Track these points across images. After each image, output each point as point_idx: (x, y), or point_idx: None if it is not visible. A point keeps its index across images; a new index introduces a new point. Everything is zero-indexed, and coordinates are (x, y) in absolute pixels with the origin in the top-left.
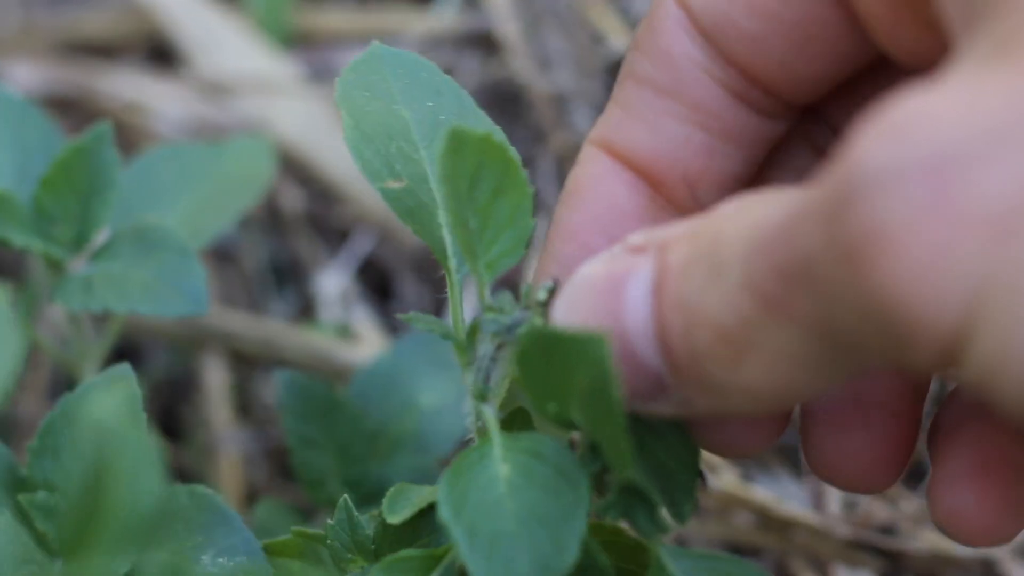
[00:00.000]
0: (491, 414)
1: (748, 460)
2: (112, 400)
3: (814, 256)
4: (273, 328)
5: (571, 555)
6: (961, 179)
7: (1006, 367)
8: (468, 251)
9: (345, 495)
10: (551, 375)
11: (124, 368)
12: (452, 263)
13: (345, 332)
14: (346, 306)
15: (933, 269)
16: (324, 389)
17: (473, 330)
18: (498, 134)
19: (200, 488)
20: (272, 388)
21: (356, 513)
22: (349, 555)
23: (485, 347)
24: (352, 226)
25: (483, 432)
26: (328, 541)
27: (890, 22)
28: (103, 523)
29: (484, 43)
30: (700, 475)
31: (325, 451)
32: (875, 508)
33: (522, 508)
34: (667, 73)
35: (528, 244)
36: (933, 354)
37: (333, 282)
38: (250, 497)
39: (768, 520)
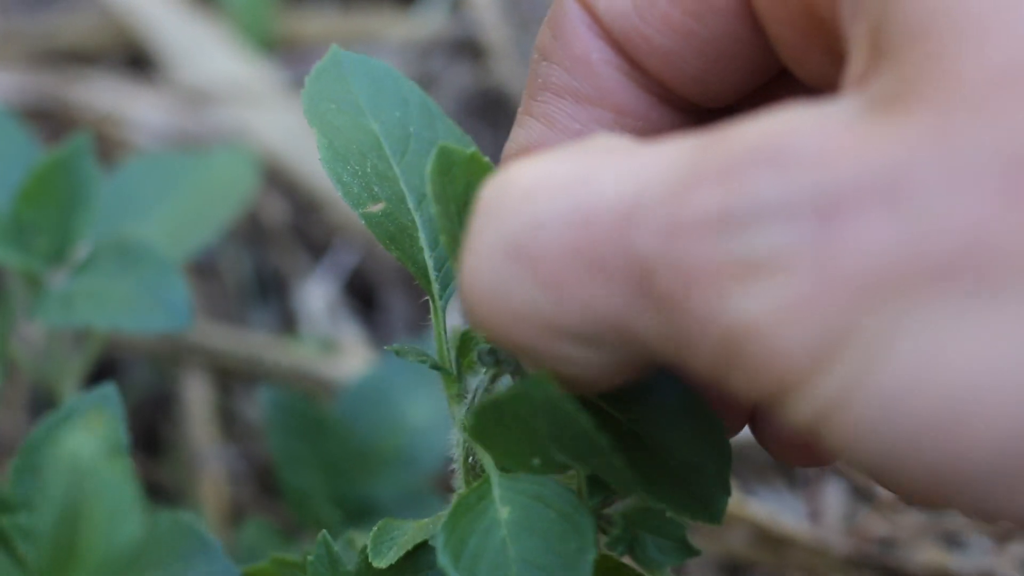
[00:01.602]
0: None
1: (747, 472)
2: (91, 437)
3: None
4: (256, 343)
5: None
6: (847, 227)
7: (839, 422)
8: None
9: (324, 531)
10: (516, 436)
11: (108, 390)
12: (435, 288)
13: (329, 346)
14: (331, 319)
15: (800, 310)
16: (310, 406)
17: (462, 356)
18: (476, 149)
19: (182, 515)
20: (255, 404)
21: (335, 548)
22: None
23: (478, 379)
24: (335, 236)
25: (471, 469)
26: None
27: (800, 48)
28: (79, 561)
29: (469, 49)
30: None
31: (312, 469)
32: (873, 522)
33: (525, 555)
34: (587, 81)
35: None
36: (764, 386)
37: (316, 294)
38: (235, 516)
39: (765, 536)
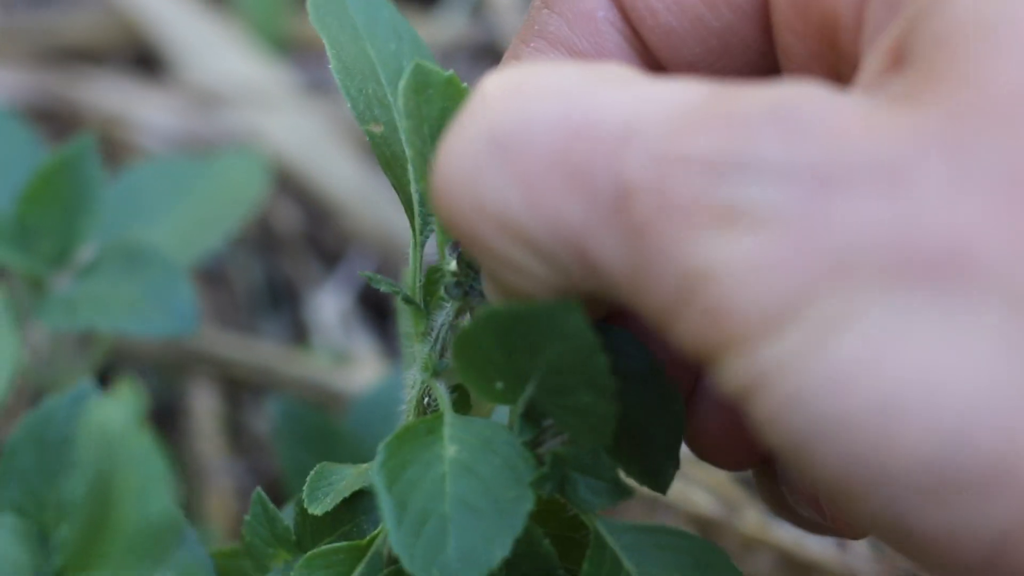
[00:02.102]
0: (444, 391)
1: None
2: (121, 407)
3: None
4: (267, 353)
5: (502, 551)
6: (841, 200)
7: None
8: (430, 203)
9: (258, 488)
10: (504, 354)
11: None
12: (417, 221)
13: (342, 357)
14: (345, 329)
15: (770, 269)
16: (320, 417)
17: (429, 295)
18: (453, 73)
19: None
20: (264, 416)
21: (272, 505)
22: (270, 550)
23: (443, 314)
24: (349, 244)
25: (423, 411)
26: (246, 537)
27: (804, 61)
28: (112, 533)
29: (490, 53)
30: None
31: None
32: None
33: (462, 493)
34: (586, 37)
35: None
36: (709, 337)
37: (329, 304)
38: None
39: (791, 561)
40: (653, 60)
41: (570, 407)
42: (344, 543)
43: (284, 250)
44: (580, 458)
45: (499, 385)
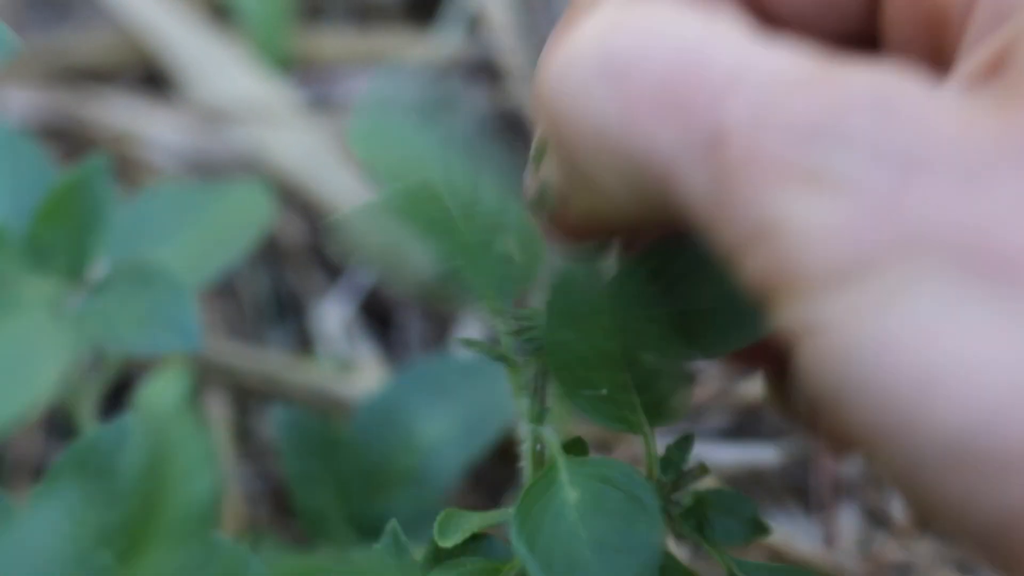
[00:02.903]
0: (553, 437)
1: (762, 496)
2: (171, 386)
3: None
4: (273, 362)
5: None
6: (923, 185)
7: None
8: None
9: (393, 519)
10: (584, 331)
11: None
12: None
13: (346, 365)
14: (348, 338)
15: (846, 232)
16: (323, 425)
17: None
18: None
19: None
20: (270, 422)
21: (403, 536)
22: None
23: (532, 370)
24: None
25: (539, 460)
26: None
27: (906, 43)
28: (163, 511)
29: (486, 71)
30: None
31: (325, 488)
32: (889, 548)
33: (596, 535)
34: None
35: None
36: (775, 276)
37: (333, 314)
38: (251, 536)
39: (780, 560)
40: (759, 7)
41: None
42: (481, 560)
43: (290, 262)
44: (719, 499)
45: (604, 391)
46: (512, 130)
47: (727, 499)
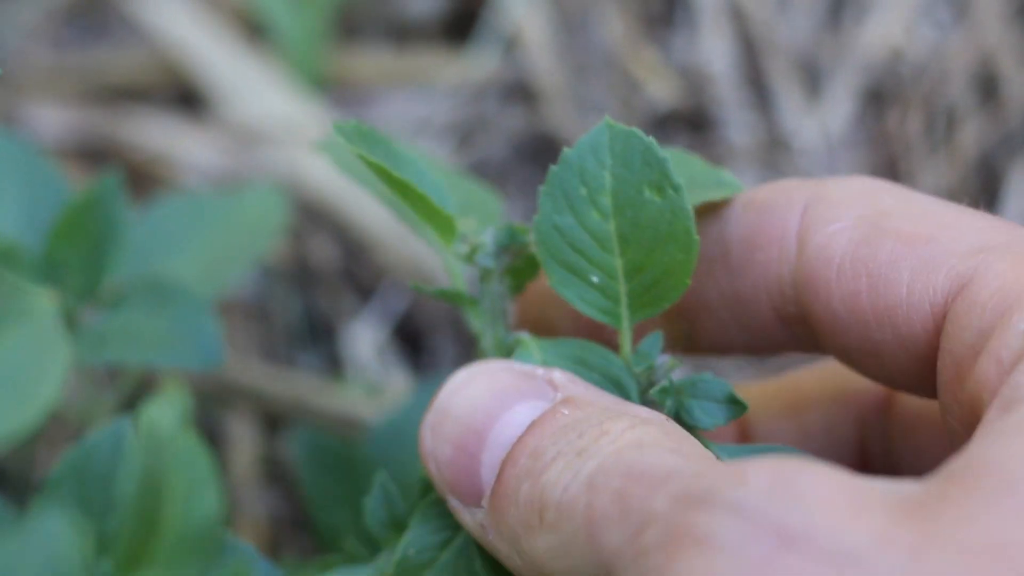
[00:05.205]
0: (526, 336)
1: None
2: (169, 408)
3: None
4: (303, 385)
5: None
6: (792, 562)
7: None
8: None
9: (384, 473)
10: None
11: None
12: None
13: (376, 389)
14: (380, 362)
15: None
16: (341, 444)
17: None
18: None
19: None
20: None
21: (393, 487)
22: (386, 531)
23: (492, 287)
24: (384, 278)
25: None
26: (366, 519)
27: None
28: (162, 532)
29: (522, 92)
30: None
31: (344, 507)
32: None
33: None
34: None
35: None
36: None
37: (364, 337)
38: (274, 557)
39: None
40: (784, 321)
41: (646, 236)
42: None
43: (321, 285)
44: (694, 384)
45: (595, 278)
46: (547, 151)
47: (703, 384)
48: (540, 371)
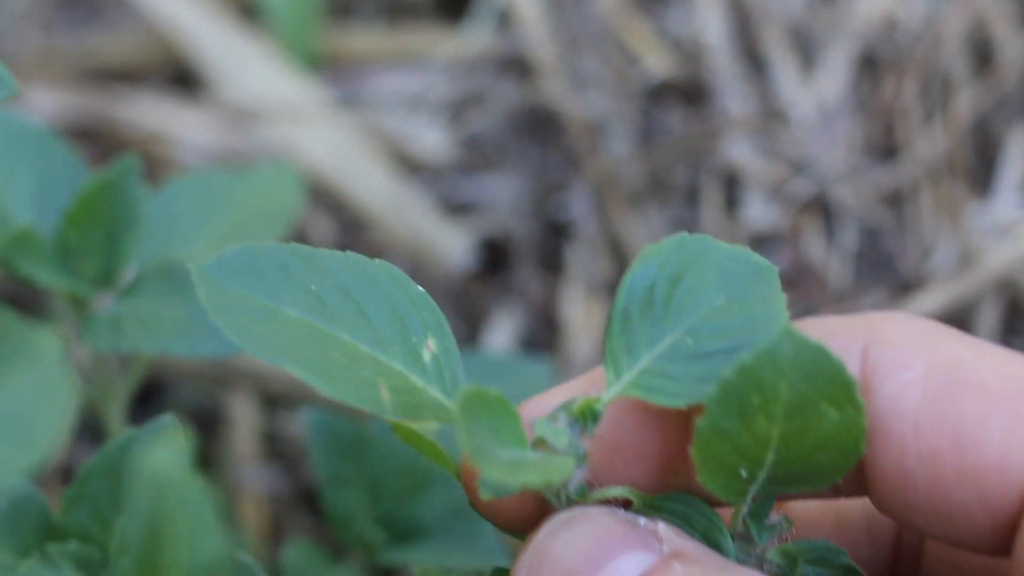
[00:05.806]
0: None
1: None
2: (172, 452)
3: None
4: None
5: None
6: None
7: None
8: None
9: None
10: (740, 418)
11: (169, 419)
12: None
13: None
14: None
15: None
16: (350, 425)
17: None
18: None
19: (242, 556)
20: (296, 424)
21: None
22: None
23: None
24: (381, 253)
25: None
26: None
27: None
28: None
29: (517, 66)
30: None
31: (356, 489)
32: None
33: None
34: None
35: None
36: None
37: None
38: (276, 536)
39: None
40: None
41: (810, 442)
42: None
43: None
44: (811, 550)
45: (743, 472)
46: (542, 125)
47: (818, 550)
48: (643, 520)
